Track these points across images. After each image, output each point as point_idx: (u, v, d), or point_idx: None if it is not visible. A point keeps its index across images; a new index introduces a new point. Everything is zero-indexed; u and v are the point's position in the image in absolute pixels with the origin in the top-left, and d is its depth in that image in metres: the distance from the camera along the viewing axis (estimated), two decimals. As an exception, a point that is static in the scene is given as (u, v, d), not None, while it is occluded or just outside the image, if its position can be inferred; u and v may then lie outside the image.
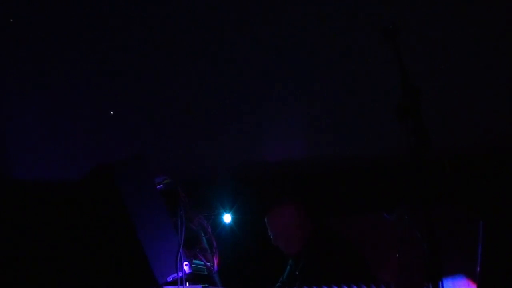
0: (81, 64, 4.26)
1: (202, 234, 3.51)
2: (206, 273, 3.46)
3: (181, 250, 3.19)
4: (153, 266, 3.11)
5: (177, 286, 3.16)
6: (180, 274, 3.16)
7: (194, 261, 3.37)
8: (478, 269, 3.86)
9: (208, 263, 3.44)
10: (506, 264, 3.88)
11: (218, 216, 5.05)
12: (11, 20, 3.71)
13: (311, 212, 4.45)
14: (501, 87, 4.77)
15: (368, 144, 5.72)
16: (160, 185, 3.36)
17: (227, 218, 5.19)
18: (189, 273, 3.24)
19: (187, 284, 3.23)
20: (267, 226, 4.38)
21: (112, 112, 4.82)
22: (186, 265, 3.21)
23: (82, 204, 3.45)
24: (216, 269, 3.48)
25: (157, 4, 3.73)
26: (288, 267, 4.37)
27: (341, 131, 5.49)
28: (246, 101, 4.90)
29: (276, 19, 3.93)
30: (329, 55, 4.31)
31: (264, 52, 4.24)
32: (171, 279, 3.16)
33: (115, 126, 5.18)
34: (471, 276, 4.15)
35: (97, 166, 3.29)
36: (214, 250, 3.48)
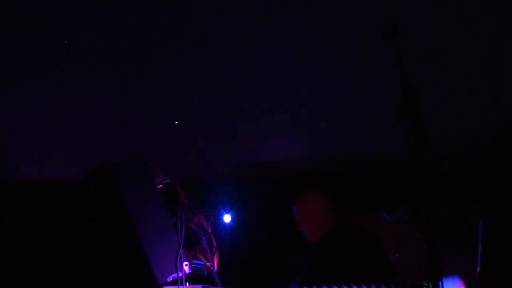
0: (81, 64, 4.25)
1: (202, 234, 3.51)
2: (206, 273, 3.46)
3: (181, 250, 3.19)
4: (153, 266, 3.10)
5: (177, 286, 3.16)
6: (180, 274, 3.16)
7: (194, 261, 3.37)
8: (478, 269, 3.86)
9: (208, 263, 3.44)
10: (506, 264, 3.88)
11: (218, 216, 5.05)
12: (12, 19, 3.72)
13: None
14: (501, 87, 4.77)
15: (368, 144, 5.72)
16: (160, 185, 3.36)
17: (227, 218, 5.19)
18: (189, 273, 3.24)
19: (187, 284, 3.23)
20: (293, 211, 4.45)
21: (176, 122, 4.88)
22: (186, 265, 3.21)
23: (82, 204, 3.45)
24: (216, 269, 3.48)
25: (158, 5, 3.73)
26: (307, 265, 4.38)
27: (341, 131, 5.50)
28: (246, 101, 4.90)
29: (275, 19, 3.93)
30: (329, 55, 4.30)
31: (264, 51, 4.24)
32: (171, 279, 3.16)
33: (116, 126, 5.18)
34: (471, 276, 4.15)
35: (97, 166, 3.29)
36: (214, 250, 3.48)
